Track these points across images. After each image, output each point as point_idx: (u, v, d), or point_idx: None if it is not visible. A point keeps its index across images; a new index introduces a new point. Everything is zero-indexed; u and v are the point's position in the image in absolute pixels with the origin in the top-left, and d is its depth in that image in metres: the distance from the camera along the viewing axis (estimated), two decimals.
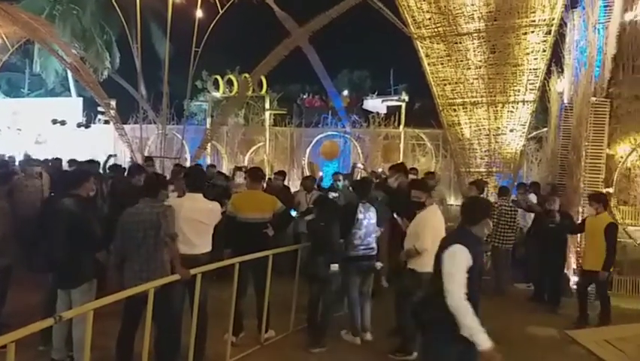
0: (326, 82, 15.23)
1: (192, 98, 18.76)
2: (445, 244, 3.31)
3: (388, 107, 18.62)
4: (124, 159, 14.23)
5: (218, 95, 16.36)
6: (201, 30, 12.91)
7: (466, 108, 9.49)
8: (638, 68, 8.05)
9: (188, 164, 12.75)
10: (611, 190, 8.34)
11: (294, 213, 7.84)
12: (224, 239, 5.48)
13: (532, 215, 8.59)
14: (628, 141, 8.48)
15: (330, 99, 17.32)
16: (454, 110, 9.55)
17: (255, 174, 5.89)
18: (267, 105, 16.30)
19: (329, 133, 15.80)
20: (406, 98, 16.20)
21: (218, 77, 16.21)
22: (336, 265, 5.37)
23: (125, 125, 14.00)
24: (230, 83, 15.85)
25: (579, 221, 7.74)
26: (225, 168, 14.85)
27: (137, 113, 15.39)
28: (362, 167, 11.39)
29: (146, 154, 13.44)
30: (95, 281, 4.56)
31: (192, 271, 4.37)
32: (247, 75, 13.83)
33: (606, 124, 8.29)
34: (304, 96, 20.05)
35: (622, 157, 8.43)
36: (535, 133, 13.58)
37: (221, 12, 11.92)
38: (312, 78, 17.31)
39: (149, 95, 17.44)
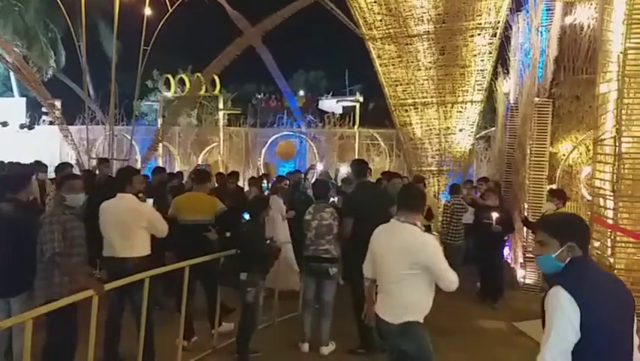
0: (281, 82, 15.23)
1: (143, 97, 18.29)
2: None
3: (344, 108, 18.82)
4: (70, 162, 13.69)
5: (169, 94, 16.03)
6: (151, 28, 12.60)
7: (417, 108, 9.68)
8: (578, 70, 8.43)
9: (138, 165, 12.41)
10: (554, 187, 8.69)
11: (247, 216, 7.74)
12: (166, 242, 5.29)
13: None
14: (569, 139, 8.87)
15: (285, 99, 17.31)
16: (406, 110, 9.73)
17: (200, 175, 5.83)
18: (221, 105, 16.11)
19: (284, 133, 15.79)
20: (361, 99, 16.42)
21: (170, 77, 15.89)
22: (245, 273, 4.91)
23: (71, 127, 13.47)
24: (182, 82, 15.57)
25: (526, 215, 8.03)
26: (178, 169, 14.55)
27: (84, 113, 14.85)
28: (321, 168, 11.44)
29: (93, 156, 12.99)
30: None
31: (130, 277, 4.20)
32: (199, 74, 13.61)
33: (549, 123, 8.63)
34: (259, 96, 19.97)
35: (564, 155, 8.80)
36: (483, 132, 14.05)
37: (170, 10, 11.65)
38: (268, 78, 17.26)
39: (97, 95, 16.88)
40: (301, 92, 20.92)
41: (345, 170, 12.70)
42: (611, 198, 5.41)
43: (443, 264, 3.15)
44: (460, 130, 9.75)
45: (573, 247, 2.19)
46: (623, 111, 5.28)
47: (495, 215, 7.25)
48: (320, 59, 28.57)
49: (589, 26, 7.84)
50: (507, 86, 10.65)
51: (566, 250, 2.19)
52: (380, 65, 9.47)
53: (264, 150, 15.40)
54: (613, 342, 2.15)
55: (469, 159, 10.15)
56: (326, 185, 6.08)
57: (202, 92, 14.62)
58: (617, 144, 5.28)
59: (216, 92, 15.44)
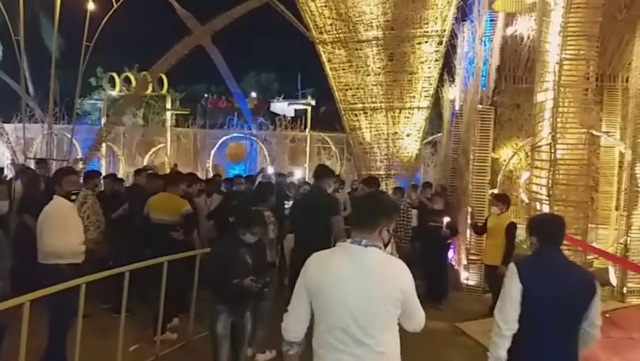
0: (231, 83, 15.06)
1: (85, 96, 17.57)
2: None
3: (296, 111, 18.83)
4: (4, 161, 12.97)
5: (114, 93, 15.49)
6: (96, 24, 12.13)
7: (367, 113, 9.79)
8: (519, 79, 8.79)
9: (80, 166, 11.89)
10: (496, 191, 9.02)
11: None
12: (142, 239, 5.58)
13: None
14: (510, 145, 9.23)
15: (235, 101, 17.13)
16: (355, 114, 9.82)
17: (172, 177, 6.15)
18: (169, 105, 15.72)
19: (235, 135, 15.60)
20: (313, 102, 16.48)
21: (115, 75, 15.36)
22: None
23: (7, 125, 12.78)
24: (127, 81, 15.09)
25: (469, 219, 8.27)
26: (122, 171, 14.07)
27: (21, 111, 14.10)
28: (271, 171, 11.36)
29: (30, 156, 12.34)
30: None
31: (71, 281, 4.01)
32: (146, 73, 13.23)
33: (491, 130, 8.94)
34: (207, 96, 19.64)
35: (505, 160, 9.16)
36: (430, 138, 14.42)
37: (115, 6, 11.26)
38: (218, 79, 17.00)
39: (37, 93, 16.07)
40: (253, 94, 20.73)
41: (299, 174, 12.70)
42: (547, 202, 5.67)
43: (416, 297, 2.37)
44: (408, 135, 9.94)
45: (534, 242, 2.88)
46: (559, 119, 5.55)
47: (446, 219, 7.37)
48: (273, 62, 28.47)
49: (529, 37, 8.20)
50: (453, 93, 10.97)
51: (533, 243, 2.90)
52: (330, 69, 9.53)
53: (213, 152, 15.15)
54: (552, 320, 2.72)
55: (415, 164, 10.36)
56: (269, 188, 6.02)
57: (149, 92, 14.22)
58: (552, 151, 5.54)
59: (164, 91, 15.06)
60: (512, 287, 2.73)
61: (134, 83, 14.85)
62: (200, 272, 5.03)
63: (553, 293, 2.70)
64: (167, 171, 13.32)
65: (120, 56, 18.83)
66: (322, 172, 5.23)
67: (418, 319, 2.42)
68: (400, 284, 2.27)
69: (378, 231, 2.30)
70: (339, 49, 9.32)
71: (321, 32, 9.28)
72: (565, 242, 5.55)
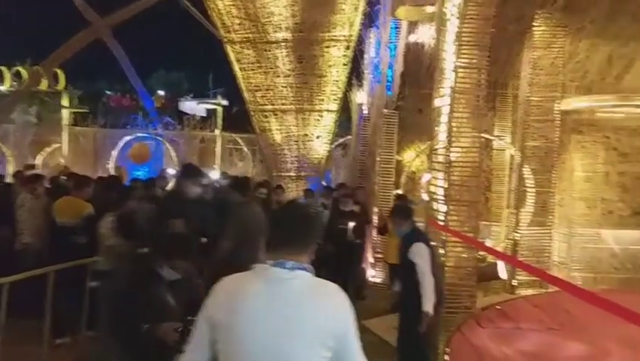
0: (135, 80, 14.32)
1: None
2: None
3: (208, 111, 18.34)
4: None
5: (3, 88, 14.13)
6: None
7: (277, 115, 9.76)
8: (422, 85, 9.18)
9: None
10: (400, 191, 9.37)
11: None
12: None
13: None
14: (413, 148, 9.63)
15: (140, 99, 16.33)
16: (265, 116, 9.76)
17: (79, 180, 6.03)
18: (66, 102, 14.62)
19: (139, 135, 14.87)
20: (225, 102, 16.15)
21: (4, 69, 14.02)
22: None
23: None
24: (18, 75, 13.83)
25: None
26: (11, 172, 12.86)
27: None
28: (172, 173, 10.93)
29: None
30: None
31: None
32: (38, 67, 12.21)
33: (395, 133, 9.31)
34: (110, 93, 18.55)
35: (408, 163, 9.55)
36: (341, 140, 14.72)
37: None
38: (122, 76, 16.12)
39: None
40: (160, 92, 19.87)
41: (214, 175, 12.33)
42: (443, 202, 5.97)
43: (356, 338, 1.81)
44: (318, 137, 10.05)
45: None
46: (453, 124, 5.86)
47: (351, 224, 7.26)
48: (183, 60, 27.58)
49: (429, 45, 8.60)
50: (361, 97, 11.27)
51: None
52: (239, 70, 9.38)
53: (114, 153, 14.32)
54: None
55: (325, 166, 10.50)
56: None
57: (43, 87, 13.14)
58: (447, 154, 5.84)
59: (60, 87, 13.98)
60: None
61: (25, 77, 13.63)
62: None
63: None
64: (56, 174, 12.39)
65: (10, 49, 17.26)
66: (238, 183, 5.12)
67: None
68: (337, 321, 1.72)
69: (310, 251, 1.84)
70: (247, 49, 9.20)
71: (229, 31, 9.11)
72: (458, 240, 5.92)
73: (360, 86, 11.22)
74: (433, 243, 6.17)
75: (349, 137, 13.14)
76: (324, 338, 1.69)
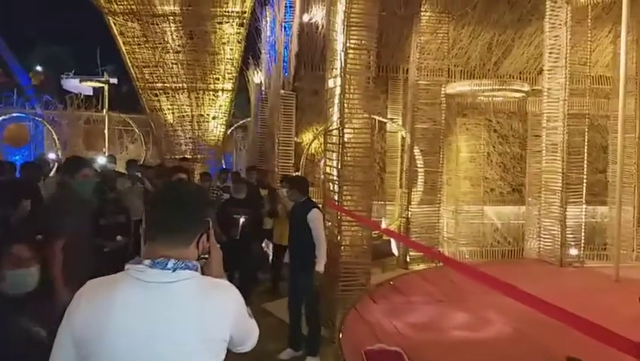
0: (5, 54, 12.80)
1: None
2: None
3: (95, 89, 16.94)
4: None
5: None
6: None
7: (168, 93, 9.25)
8: (316, 66, 9.15)
9: None
10: (299, 173, 9.35)
11: None
12: None
13: None
14: (311, 130, 9.62)
15: (14, 75, 14.70)
16: (155, 94, 9.20)
17: None
18: None
19: (15, 115, 13.39)
20: (114, 80, 15.01)
21: None
22: None
23: None
24: None
25: None
26: None
27: None
28: (53, 157, 9.95)
29: None
30: None
31: None
32: None
33: (293, 115, 9.23)
34: None
35: (307, 144, 9.53)
36: (241, 122, 14.36)
37: None
38: None
39: None
40: (38, 68, 18.00)
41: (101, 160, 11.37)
42: (337, 182, 6.00)
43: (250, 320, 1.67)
44: (214, 118, 9.69)
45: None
46: (345, 105, 5.87)
47: (242, 219, 6.62)
48: (68, 33, 25.07)
49: (322, 25, 8.57)
50: (259, 77, 11.02)
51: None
52: (124, 44, 8.70)
53: None
54: None
55: (223, 148, 10.18)
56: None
57: None
58: (340, 135, 5.86)
59: None
60: None
61: None
62: None
63: None
64: None
65: None
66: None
67: (252, 341, 1.67)
68: (228, 323, 1.49)
69: (196, 242, 1.54)
70: (132, 21, 8.55)
71: (109, 1, 8.38)
72: (352, 219, 6.01)
73: (258, 65, 10.97)
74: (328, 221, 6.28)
75: (249, 119, 12.87)
76: (210, 345, 1.46)
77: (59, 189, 4.43)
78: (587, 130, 8.06)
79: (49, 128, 13.34)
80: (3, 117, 13.08)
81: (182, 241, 1.50)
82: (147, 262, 1.44)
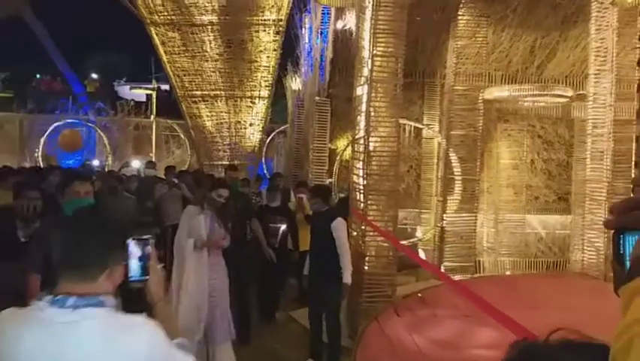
0: (59, 62, 13.55)
1: None
2: None
3: (148, 96, 17.62)
4: None
5: None
6: None
7: (207, 101, 9.48)
8: (351, 73, 9.09)
9: None
10: (332, 180, 9.33)
11: None
12: None
13: None
14: (345, 136, 9.58)
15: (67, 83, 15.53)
16: (195, 102, 9.45)
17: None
18: None
19: (69, 121, 14.14)
20: (165, 86, 15.56)
21: None
22: None
23: None
24: None
25: None
26: None
27: None
28: (99, 164, 10.43)
29: None
30: None
31: None
32: None
33: (328, 121, 9.22)
34: (40, 77, 17.55)
35: (341, 151, 9.50)
36: (282, 127, 14.53)
37: None
38: (52, 59, 15.18)
39: None
40: (93, 75, 18.93)
41: (138, 164, 11.86)
42: (363, 191, 5.92)
43: None
44: (251, 125, 9.84)
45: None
46: (372, 113, 5.80)
47: (282, 227, 6.54)
48: (123, 42, 26.22)
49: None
50: (296, 84, 11.11)
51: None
52: (165, 53, 9.00)
53: (43, 140, 13.56)
54: None
55: (259, 154, 10.32)
56: None
57: None
58: (366, 143, 5.79)
59: None
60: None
61: None
62: None
63: None
64: None
65: None
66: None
67: None
68: None
69: (107, 274, 1.37)
70: (172, 32, 8.83)
71: (151, 13, 8.70)
72: (376, 233, 5.91)
73: (296, 72, 11.05)
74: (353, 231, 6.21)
75: (287, 125, 13.00)
76: None
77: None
78: (636, 137, 7.58)
79: (101, 133, 13.99)
80: (58, 123, 13.83)
81: (85, 275, 1.34)
82: (48, 298, 1.30)
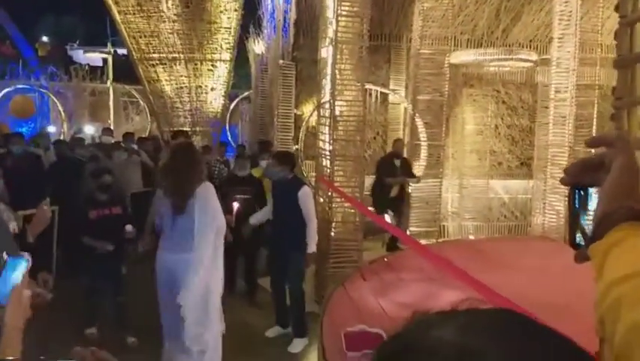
0: (7, 24, 12.70)
1: None
2: None
3: (104, 60, 16.80)
4: None
5: None
6: None
7: (165, 64, 9.05)
8: (315, 34, 8.83)
9: None
10: (298, 146, 9.17)
11: None
12: None
13: None
14: (312, 101, 9.37)
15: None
16: (152, 65, 9.01)
17: None
18: None
19: (20, 87, 13.36)
20: (122, 50, 14.80)
21: None
22: None
23: None
24: None
25: None
26: None
27: None
28: (56, 131, 9.90)
29: None
30: None
31: None
32: None
33: (293, 86, 8.98)
34: None
35: (307, 116, 9.31)
36: (247, 93, 14.12)
37: None
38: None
39: None
40: (44, 39, 17.86)
41: (92, 130, 11.34)
42: (329, 157, 5.81)
43: None
44: (212, 89, 9.49)
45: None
46: (337, 76, 5.63)
47: (235, 205, 5.82)
48: (76, 3, 24.68)
49: None
50: (259, 47, 10.73)
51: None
52: (118, 13, 8.48)
53: None
54: None
55: (222, 120, 10.01)
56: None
57: None
58: (331, 108, 5.63)
59: None
60: None
61: None
62: None
63: None
64: None
65: None
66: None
67: None
68: None
69: None
70: None
71: None
72: (343, 199, 5.84)
73: (259, 35, 10.67)
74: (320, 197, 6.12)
75: (252, 91, 12.63)
76: None
77: None
78: (598, 102, 7.68)
79: (55, 100, 13.31)
80: (8, 89, 13.06)
81: None
82: None
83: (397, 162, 7.77)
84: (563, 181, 0.75)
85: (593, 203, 0.73)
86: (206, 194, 3.71)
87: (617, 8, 1.72)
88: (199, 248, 3.59)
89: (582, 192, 0.74)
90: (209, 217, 3.67)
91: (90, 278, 4.70)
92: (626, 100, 1.69)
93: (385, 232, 8.78)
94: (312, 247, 4.87)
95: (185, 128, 9.61)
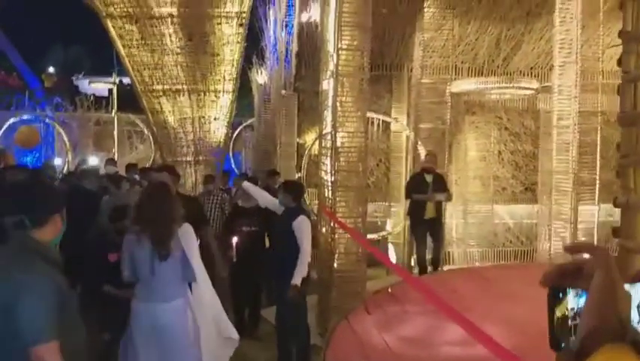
0: (13, 56, 12.93)
1: None
2: None
3: (109, 90, 17.05)
4: None
5: None
6: None
7: (169, 95, 9.14)
8: (316, 66, 8.94)
9: None
10: (300, 175, 9.19)
11: None
12: None
13: None
14: (314, 130, 9.43)
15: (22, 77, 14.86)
16: (156, 97, 9.10)
17: None
18: None
19: (25, 117, 13.53)
20: (127, 81, 15.03)
21: None
22: None
23: None
24: None
25: None
26: None
27: None
28: (62, 162, 9.97)
29: None
30: None
31: None
32: None
33: (295, 115, 9.05)
34: None
35: (309, 145, 9.36)
36: (250, 121, 14.26)
37: None
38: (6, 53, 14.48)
39: None
40: (50, 69, 18.16)
41: (96, 161, 11.38)
42: (331, 187, 5.80)
43: None
44: (215, 119, 9.55)
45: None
46: (339, 108, 5.66)
47: (235, 239, 5.78)
48: (82, 35, 25.17)
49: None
50: (262, 77, 10.88)
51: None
52: (123, 47, 8.60)
53: None
54: None
55: (226, 148, 10.06)
56: None
57: None
58: (333, 139, 5.65)
59: None
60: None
61: None
62: None
63: None
64: None
65: None
66: None
67: None
68: None
69: None
70: (130, 24, 8.44)
71: (107, 5, 8.30)
72: (343, 231, 5.79)
73: (262, 65, 10.82)
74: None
75: (254, 119, 12.73)
76: None
77: None
78: (601, 127, 7.68)
79: (60, 130, 13.44)
80: (14, 120, 13.22)
81: None
82: None
83: (429, 178, 7.27)
84: (541, 284, 0.76)
85: (573, 303, 0.74)
86: (189, 236, 3.62)
87: (619, 62, 1.72)
88: (198, 290, 3.56)
89: (561, 295, 0.74)
90: (197, 258, 3.61)
91: (114, 331, 3.99)
92: (632, 158, 1.68)
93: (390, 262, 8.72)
94: (295, 279, 4.58)
95: (188, 158, 9.65)
